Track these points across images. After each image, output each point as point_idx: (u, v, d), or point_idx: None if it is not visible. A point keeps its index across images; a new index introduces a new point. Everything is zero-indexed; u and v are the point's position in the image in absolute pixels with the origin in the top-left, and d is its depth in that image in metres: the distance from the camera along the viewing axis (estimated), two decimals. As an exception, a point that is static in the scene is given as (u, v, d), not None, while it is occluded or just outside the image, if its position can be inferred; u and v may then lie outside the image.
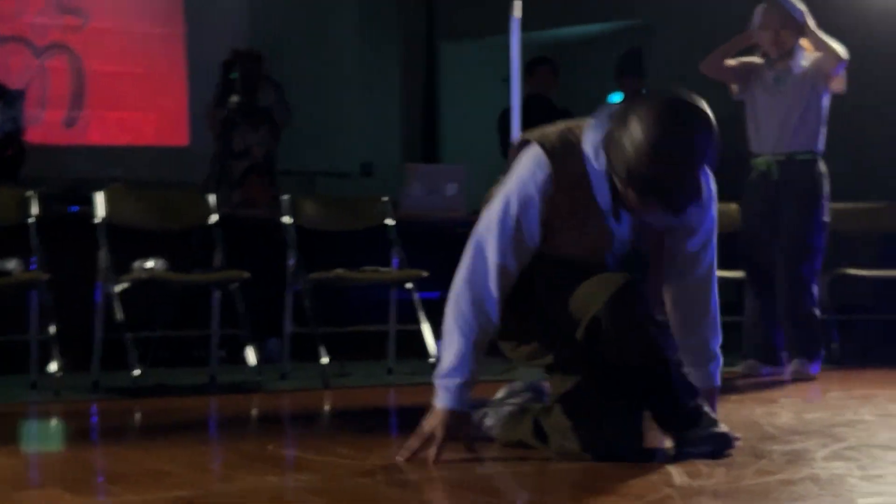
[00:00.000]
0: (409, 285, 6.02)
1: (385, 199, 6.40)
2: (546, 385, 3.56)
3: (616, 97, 9.82)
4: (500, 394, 3.69)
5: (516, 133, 6.46)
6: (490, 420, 3.55)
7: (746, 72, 5.85)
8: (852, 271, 6.55)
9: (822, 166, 5.73)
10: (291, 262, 5.92)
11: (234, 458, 3.55)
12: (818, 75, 5.67)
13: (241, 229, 6.40)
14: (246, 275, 5.64)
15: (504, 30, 6.41)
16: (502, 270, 3.23)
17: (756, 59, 5.86)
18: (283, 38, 9.90)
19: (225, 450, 3.87)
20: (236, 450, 3.72)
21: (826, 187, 5.72)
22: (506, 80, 6.47)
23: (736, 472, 3.01)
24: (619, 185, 3.13)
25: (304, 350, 5.90)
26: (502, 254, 3.23)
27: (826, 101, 5.74)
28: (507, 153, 6.63)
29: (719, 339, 3.47)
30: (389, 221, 6.29)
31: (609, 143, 3.11)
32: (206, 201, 6.05)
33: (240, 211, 6.65)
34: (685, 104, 3.09)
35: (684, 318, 3.44)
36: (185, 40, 9.70)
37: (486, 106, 7.64)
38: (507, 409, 3.56)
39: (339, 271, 5.86)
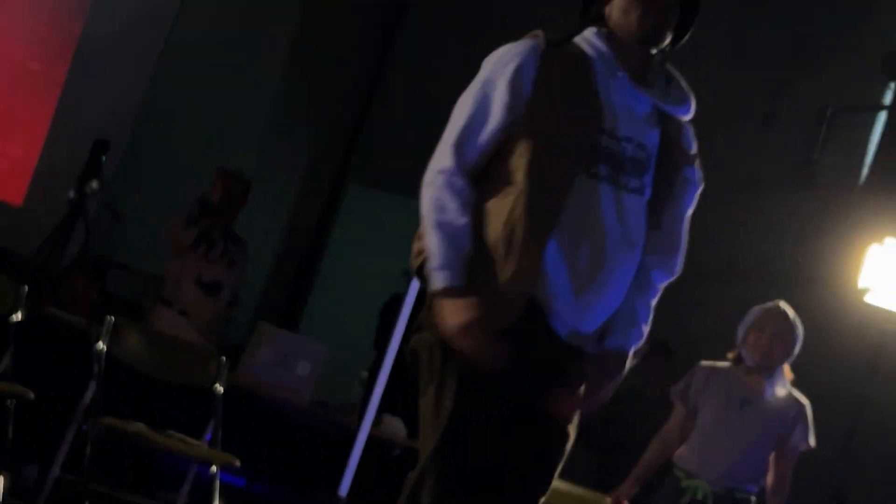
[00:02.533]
0: (213, 468, 5.87)
1: (224, 360, 6.24)
2: None
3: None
4: None
5: (398, 335, 6.38)
6: None
7: (708, 385, 5.57)
8: None
9: None
10: (89, 395, 5.72)
11: None
12: (786, 420, 5.53)
13: (45, 333, 6.30)
14: (30, 394, 5.51)
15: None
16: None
17: (723, 365, 5.64)
18: (183, 123, 9.86)
19: None
20: None
21: None
22: (408, 272, 6.40)
23: None
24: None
25: (66, 499, 5.76)
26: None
27: (775, 444, 5.59)
28: (379, 347, 6.58)
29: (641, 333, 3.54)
30: (219, 387, 6.13)
31: None
32: (15, 288, 5.91)
33: (53, 311, 6.46)
34: None
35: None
36: (61, 85, 9.58)
37: (377, 288, 7.56)
38: None
39: (141, 427, 5.71)
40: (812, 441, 5.57)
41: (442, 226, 3.30)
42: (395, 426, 6.99)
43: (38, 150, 9.46)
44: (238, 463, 5.84)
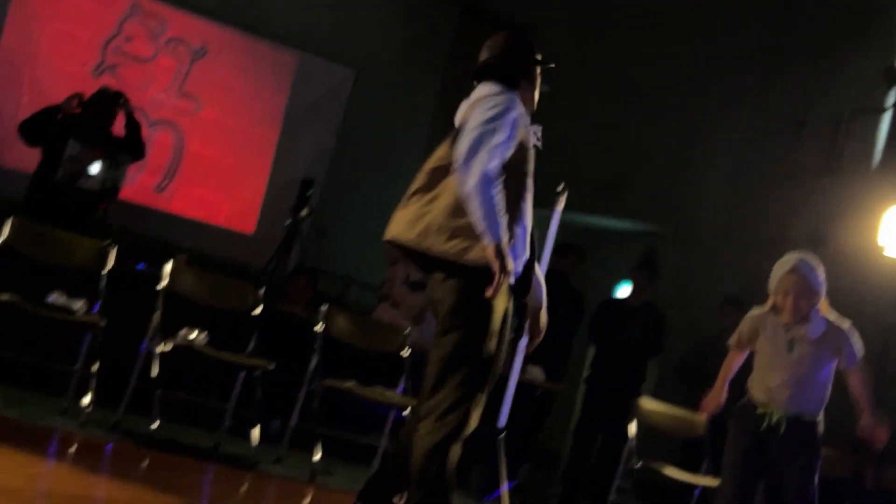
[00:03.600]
0: (406, 412, 5.92)
1: (407, 331, 6.34)
2: None
3: (625, 284, 9.81)
4: None
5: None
6: None
7: (755, 332, 5.03)
8: None
9: (822, 428, 5.07)
10: (313, 364, 5.85)
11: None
12: (831, 348, 4.90)
13: (278, 322, 6.38)
14: (271, 366, 5.64)
15: (545, 205, 6.38)
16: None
17: (764, 311, 5.05)
18: (363, 164, 10.02)
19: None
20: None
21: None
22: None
23: None
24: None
25: (303, 441, 5.80)
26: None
27: (833, 367, 5.00)
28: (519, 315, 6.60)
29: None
30: (405, 353, 6.23)
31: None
32: (255, 292, 6.03)
33: (282, 306, 6.60)
34: None
35: None
36: (275, 145, 9.80)
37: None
38: None
39: (351, 384, 5.81)
40: (860, 353, 4.91)
41: None
42: (536, 373, 6.99)
43: (263, 193, 9.67)
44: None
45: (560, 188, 6.28)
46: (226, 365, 5.73)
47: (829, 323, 4.90)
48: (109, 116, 6.86)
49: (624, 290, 9.40)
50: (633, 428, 6.71)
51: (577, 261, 8.01)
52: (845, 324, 4.93)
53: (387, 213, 3.80)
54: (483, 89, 3.74)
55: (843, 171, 9.48)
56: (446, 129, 3.85)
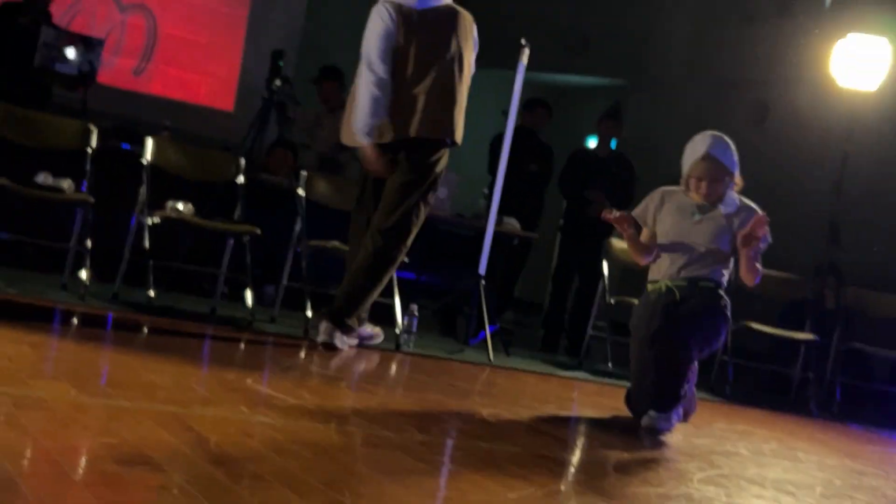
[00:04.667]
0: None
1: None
2: None
3: (592, 139, 9.78)
4: None
5: (505, 157, 6.36)
6: None
7: (662, 200, 4.62)
8: (754, 325, 6.53)
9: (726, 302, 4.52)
10: (298, 227, 5.86)
11: (216, 385, 3.51)
12: (737, 222, 4.46)
13: (261, 191, 6.35)
14: (258, 231, 5.64)
15: (510, 66, 6.31)
16: None
17: (677, 188, 4.62)
18: (334, 35, 9.84)
19: (210, 376, 3.81)
20: (220, 378, 3.68)
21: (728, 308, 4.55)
22: (505, 112, 6.35)
23: (626, 479, 2.98)
24: None
25: (294, 301, 5.85)
26: None
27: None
28: (493, 172, 6.59)
29: None
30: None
31: None
32: (237, 162, 5.99)
33: (263, 176, 6.57)
34: None
35: None
36: (246, 21, 9.62)
37: (483, 128, 7.55)
38: None
39: (335, 243, 5.83)
40: (768, 237, 4.44)
41: None
42: (512, 223, 7.02)
43: (238, 69, 9.54)
44: (407, 261, 5.69)
45: (523, 42, 6.23)
46: (214, 233, 5.74)
47: (741, 202, 4.53)
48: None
49: (592, 144, 9.38)
50: (605, 267, 6.80)
51: (546, 114, 7.97)
52: (756, 207, 4.51)
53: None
54: None
55: (795, 12, 9.43)
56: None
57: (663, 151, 9.53)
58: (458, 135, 5.13)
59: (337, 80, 7.38)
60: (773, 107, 9.36)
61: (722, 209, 4.49)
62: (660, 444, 3.93)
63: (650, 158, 8.56)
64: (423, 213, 5.17)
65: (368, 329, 5.38)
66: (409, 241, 5.21)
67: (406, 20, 4.95)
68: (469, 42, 5.14)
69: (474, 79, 5.35)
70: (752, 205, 4.53)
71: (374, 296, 5.20)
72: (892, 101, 7.99)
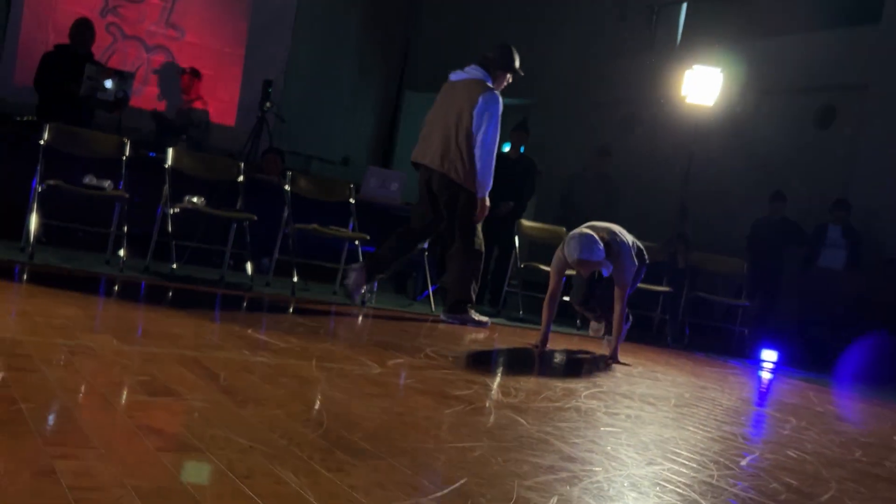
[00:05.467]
0: (357, 242, 5.94)
1: (352, 185, 6.30)
2: None
3: (506, 145, 9.79)
4: None
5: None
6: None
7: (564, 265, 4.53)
8: (703, 295, 6.78)
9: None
10: (285, 214, 5.80)
11: (225, 334, 3.47)
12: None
13: (257, 187, 6.28)
14: (255, 217, 5.59)
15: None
16: None
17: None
18: (310, 69, 9.73)
19: (220, 328, 3.77)
20: (228, 329, 3.64)
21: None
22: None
23: (532, 397, 3.00)
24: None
25: (284, 270, 5.83)
26: None
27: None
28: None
29: None
30: (352, 200, 6.20)
31: None
32: (238, 165, 5.92)
33: (258, 176, 6.50)
34: None
35: None
36: (243, 58, 9.47)
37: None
38: None
39: (315, 226, 5.81)
40: (627, 279, 4.47)
41: None
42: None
43: (238, 94, 9.40)
44: (368, 238, 5.90)
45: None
46: (222, 219, 5.67)
47: (611, 253, 4.38)
48: (87, 42, 6.61)
49: (506, 148, 9.40)
50: (517, 241, 6.84)
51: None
52: (624, 247, 4.45)
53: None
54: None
55: (655, 49, 9.49)
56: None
57: (556, 154, 9.61)
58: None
59: (280, 156, 7.24)
60: (637, 119, 9.45)
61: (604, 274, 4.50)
62: (556, 370, 3.97)
63: (547, 159, 8.59)
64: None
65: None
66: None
67: None
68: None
69: (426, 101, 5.40)
70: (619, 247, 4.45)
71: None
72: (723, 115, 8.10)
